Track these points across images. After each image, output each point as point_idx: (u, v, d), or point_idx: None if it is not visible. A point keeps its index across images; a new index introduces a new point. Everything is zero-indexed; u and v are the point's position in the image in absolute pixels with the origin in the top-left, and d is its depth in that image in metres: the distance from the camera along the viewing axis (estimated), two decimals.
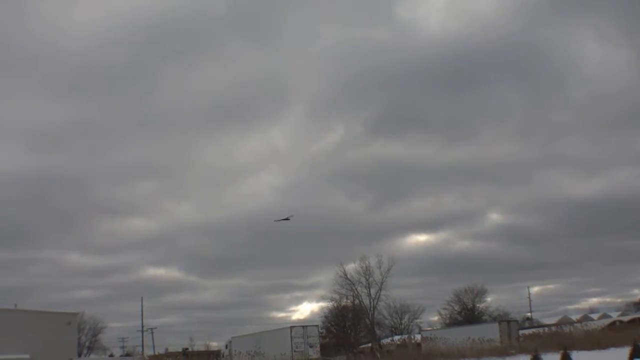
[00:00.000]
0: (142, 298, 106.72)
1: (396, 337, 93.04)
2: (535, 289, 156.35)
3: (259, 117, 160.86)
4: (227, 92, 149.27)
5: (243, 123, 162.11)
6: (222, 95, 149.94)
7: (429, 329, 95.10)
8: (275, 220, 76.14)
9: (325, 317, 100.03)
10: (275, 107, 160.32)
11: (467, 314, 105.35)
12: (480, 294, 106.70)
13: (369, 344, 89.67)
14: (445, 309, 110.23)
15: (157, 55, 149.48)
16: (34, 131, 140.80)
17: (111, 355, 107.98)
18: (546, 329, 79.35)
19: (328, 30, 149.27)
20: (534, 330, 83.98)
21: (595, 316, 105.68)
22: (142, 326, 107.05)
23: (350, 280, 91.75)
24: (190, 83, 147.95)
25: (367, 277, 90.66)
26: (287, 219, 75.82)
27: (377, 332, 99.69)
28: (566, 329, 68.51)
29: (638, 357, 29.98)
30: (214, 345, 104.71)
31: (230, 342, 79.31)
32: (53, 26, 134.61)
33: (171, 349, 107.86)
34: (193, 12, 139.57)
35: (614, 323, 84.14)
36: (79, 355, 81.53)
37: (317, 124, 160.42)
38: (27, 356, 57.25)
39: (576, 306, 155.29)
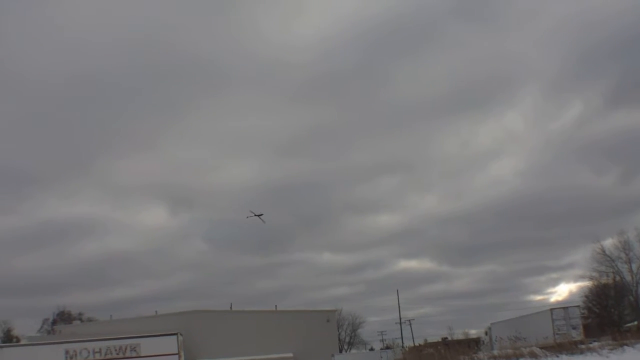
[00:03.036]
0: (397, 291, 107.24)
1: None
2: None
3: (492, 101, 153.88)
4: (457, 80, 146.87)
5: (477, 109, 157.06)
6: (453, 84, 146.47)
7: None
8: (247, 217, 76.95)
9: (586, 297, 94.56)
10: (507, 89, 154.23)
11: None
12: None
13: (635, 322, 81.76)
14: None
15: (384, 52, 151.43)
16: (278, 140, 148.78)
17: (371, 349, 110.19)
18: None
19: (553, 5, 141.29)
20: None
21: None
22: (400, 318, 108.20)
23: (609, 256, 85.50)
24: (419, 76, 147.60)
25: (627, 252, 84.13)
26: (259, 215, 76.56)
27: None
28: None
29: None
30: (473, 332, 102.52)
31: (489, 328, 77.27)
32: (283, 43, 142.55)
33: (430, 339, 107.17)
34: (413, 5, 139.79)
35: None
36: (340, 351, 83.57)
37: (553, 101, 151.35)
38: (290, 354, 59.58)
39: None
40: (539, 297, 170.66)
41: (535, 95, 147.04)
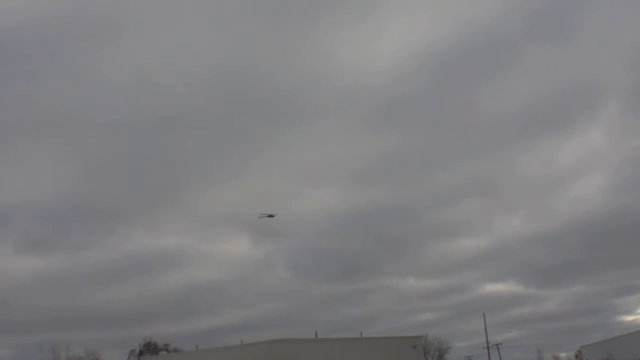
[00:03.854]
0: (484, 315, 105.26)
1: None
2: None
3: (573, 119, 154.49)
4: (536, 99, 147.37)
5: (558, 128, 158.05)
6: (533, 103, 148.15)
7: None
8: (259, 217, 76.26)
9: None
10: (588, 106, 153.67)
11: None
12: None
13: None
14: None
15: (462, 75, 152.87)
16: (358, 167, 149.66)
17: None
18: None
19: (633, 21, 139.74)
20: None
21: None
22: (487, 343, 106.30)
23: None
24: (498, 96, 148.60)
25: None
26: (271, 216, 76.21)
27: None
28: None
29: None
30: (563, 356, 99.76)
31: (580, 351, 74.96)
32: (360, 71, 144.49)
33: None
34: (488, 26, 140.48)
35: None
36: None
37: (635, 117, 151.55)
38: None
39: None
40: (630, 318, 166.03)
41: (617, 112, 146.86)
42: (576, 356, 79.33)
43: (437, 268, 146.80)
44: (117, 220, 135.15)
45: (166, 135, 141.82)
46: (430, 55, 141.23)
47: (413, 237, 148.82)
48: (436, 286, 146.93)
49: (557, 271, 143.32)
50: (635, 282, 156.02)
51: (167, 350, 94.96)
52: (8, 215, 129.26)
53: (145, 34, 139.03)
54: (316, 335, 68.26)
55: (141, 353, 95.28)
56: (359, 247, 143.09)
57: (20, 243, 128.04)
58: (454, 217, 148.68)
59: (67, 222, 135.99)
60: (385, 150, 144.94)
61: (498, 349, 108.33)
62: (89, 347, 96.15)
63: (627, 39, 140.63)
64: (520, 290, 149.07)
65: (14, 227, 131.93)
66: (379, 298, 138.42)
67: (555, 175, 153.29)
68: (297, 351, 61.75)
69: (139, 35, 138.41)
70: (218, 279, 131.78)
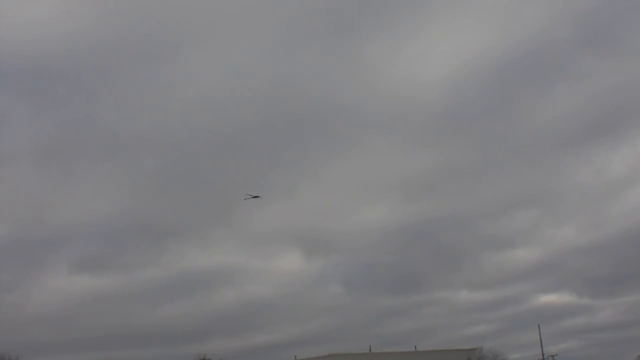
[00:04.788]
0: (538, 326, 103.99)
1: None
2: None
3: (624, 128, 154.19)
4: (587, 109, 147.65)
5: (609, 137, 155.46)
6: (583, 114, 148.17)
7: None
8: (245, 199, 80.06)
9: None
10: (639, 115, 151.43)
11: None
12: None
13: None
14: None
15: (513, 87, 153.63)
16: (409, 181, 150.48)
17: None
18: None
19: None
20: None
21: None
22: (543, 354, 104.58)
23: None
24: (548, 108, 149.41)
25: None
26: (256, 197, 79.73)
27: None
28: None
29: None
30: None
31: None
32: (412, 86, 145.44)
33: None
34: (540, 40, 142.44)
35: None
36: None
37: None
38: None
39: None
40: None
41: None
42: None
43: (490, 280, 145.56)
44: (171, 239, 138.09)
45: (219, 154, 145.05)
46: (479, 68, 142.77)
47: (466, 249, 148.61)
48: (490, 298, 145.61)
49: (611, 281, 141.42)
50: None
51: None
52: (64, 236, 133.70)
53: (199, 55, 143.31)
54: (370, 350, 68.55)
55: None
56: (412, 260, 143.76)
57: (76, 263, 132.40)
58: (507, 228, 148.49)
59: (122, 242, 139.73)
60: (437, 163, 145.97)
61: None
62: None
63: None
64: (574, 301, 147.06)
65: (70, 247, 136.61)
66: (433, 311, 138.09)
67: (608, 185, 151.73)
68: None
69: (192, 56, 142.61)
70: (271, 295, 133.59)
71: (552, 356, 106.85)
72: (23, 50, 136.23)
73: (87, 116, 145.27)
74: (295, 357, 68.17)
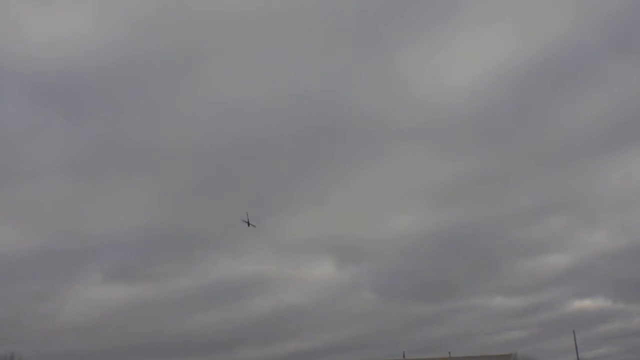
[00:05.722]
0: (573, 331, 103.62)
1: None
2: None
3: None
4: (616, 113, 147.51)
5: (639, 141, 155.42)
6: (613, 118, 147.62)
7: None
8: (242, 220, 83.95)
9: None
10: None
11: None
12: None
13: None
14: None
15: (540, 93, 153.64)
16: (440, 188, 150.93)
17: None
18: None
19: None
20: None
21: None
22: None
23: None
24: (577, 113, 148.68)
25: None
26: (251, 225, 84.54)
27: None
28: None
29: None
30: None
31: None
32: (439, 93, 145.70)
33: None
34: (567, 44, 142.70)
35: None
36: None
37: None
38: None
39: None
40: None
41: None
42: None
43: (524, 285, 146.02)
44: (203, 248, 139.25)
45: (250, 163, 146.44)
46: (506, 73, 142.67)
47: (499, 255, 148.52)
48: (524, 304, 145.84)
49: None
50: None
51: None
52: (98, 247, 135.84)
53: (228, 67, 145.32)
54: (404, 356, 68.47)
55: None
56: (444, 267, 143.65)
57: (109, 273, 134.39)
58: (539, 234, 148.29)
59: (154, 252, 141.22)
60: (466, 169, 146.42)
61: None
62: None
63: None
64: (609, 306, 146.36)
65: (103, 257, 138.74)
66: (467, 317, 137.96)
67: (638, 188, 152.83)
68: None
69: (221, 68, 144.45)
70: (303, 303, 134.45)
71: None
72: (56, 66, 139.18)
73: (118, 129, 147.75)
74: None
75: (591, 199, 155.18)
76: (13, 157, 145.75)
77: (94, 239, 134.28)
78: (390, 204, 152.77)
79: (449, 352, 71.39)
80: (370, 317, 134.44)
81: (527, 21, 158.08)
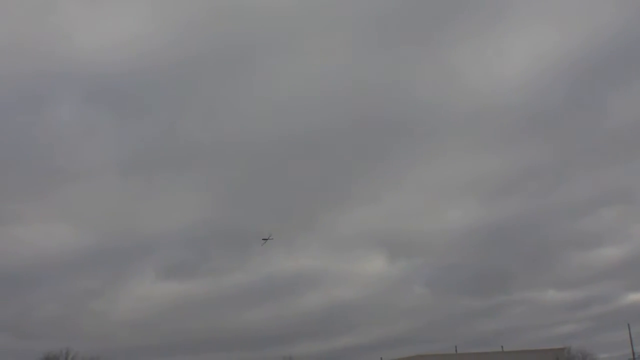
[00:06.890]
0: (628, 325, 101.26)
1: None
2: None
3: None
4: None
5: None
6: None
7: None
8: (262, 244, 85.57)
9: None
10: None
11: None
12: None
13: None
14: None
15: (590, 84, 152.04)
16: (491, 182, 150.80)
17: None
18: None
19: None
20: None
21: None
22: (633, 354, 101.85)
23: None
24: (627, 104, 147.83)
25: None
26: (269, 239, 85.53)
27: None
28: None
29: None
30: None
31: None
32: (487, 87, 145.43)
33: None
34: (612, 34, 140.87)
35: None
36: None
37: None
38: None
39: None
40: None
41: None
42: None
43: (577, 279, 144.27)
44: (256, 244, 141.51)
45: (302, 160, 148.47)
46: (557, 66, 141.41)
47: (551, 248, 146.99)
48: (577, 297, 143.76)
49: None
50: None
51: None
52: (151, 244, 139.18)
53: (280, 63, 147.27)
54: (456, 350, 69.13)
55: None
56: (496, 260, 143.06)
57: (162, 269, 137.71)
58: (592, 226, 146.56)
59: (207, 248, 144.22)
60: (517, 162, 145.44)
61: None
62: None
63: None
64: None
65: (157, 254, 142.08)
66: (519, 311, 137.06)
67: None
68: None
69: (273, 64, 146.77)
70: (356, 298, 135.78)
71: None
72: (109, 67, 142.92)
73: (169, 127, 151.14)
74: (381, 358, 69.68)
75: None
76: (69, 157, 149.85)
77: (148, 236, 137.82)
78: (441, 198, 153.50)
79: (502, 346, 71.57)
80: (421, 311, 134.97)
81: (579, 13, 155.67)
